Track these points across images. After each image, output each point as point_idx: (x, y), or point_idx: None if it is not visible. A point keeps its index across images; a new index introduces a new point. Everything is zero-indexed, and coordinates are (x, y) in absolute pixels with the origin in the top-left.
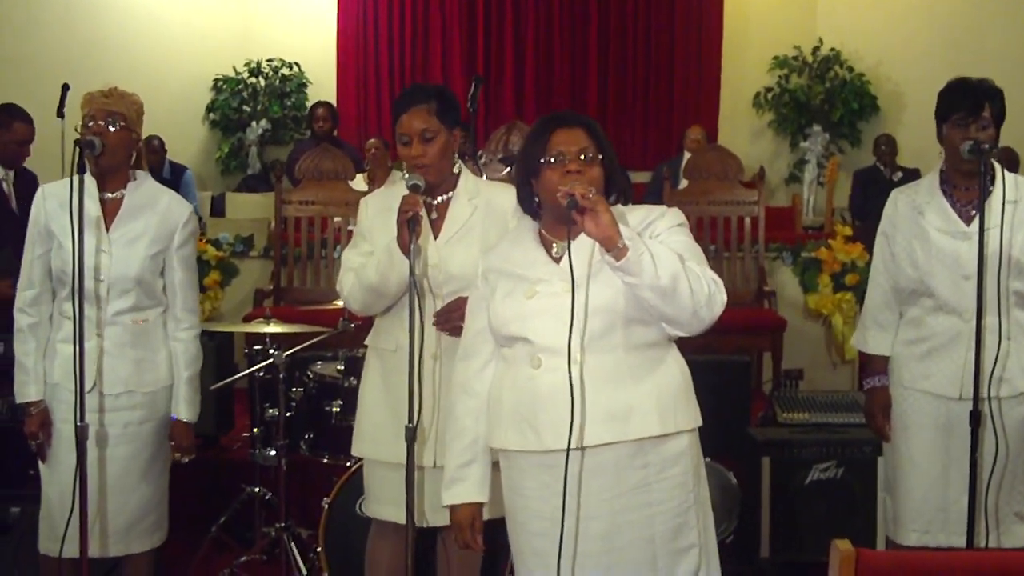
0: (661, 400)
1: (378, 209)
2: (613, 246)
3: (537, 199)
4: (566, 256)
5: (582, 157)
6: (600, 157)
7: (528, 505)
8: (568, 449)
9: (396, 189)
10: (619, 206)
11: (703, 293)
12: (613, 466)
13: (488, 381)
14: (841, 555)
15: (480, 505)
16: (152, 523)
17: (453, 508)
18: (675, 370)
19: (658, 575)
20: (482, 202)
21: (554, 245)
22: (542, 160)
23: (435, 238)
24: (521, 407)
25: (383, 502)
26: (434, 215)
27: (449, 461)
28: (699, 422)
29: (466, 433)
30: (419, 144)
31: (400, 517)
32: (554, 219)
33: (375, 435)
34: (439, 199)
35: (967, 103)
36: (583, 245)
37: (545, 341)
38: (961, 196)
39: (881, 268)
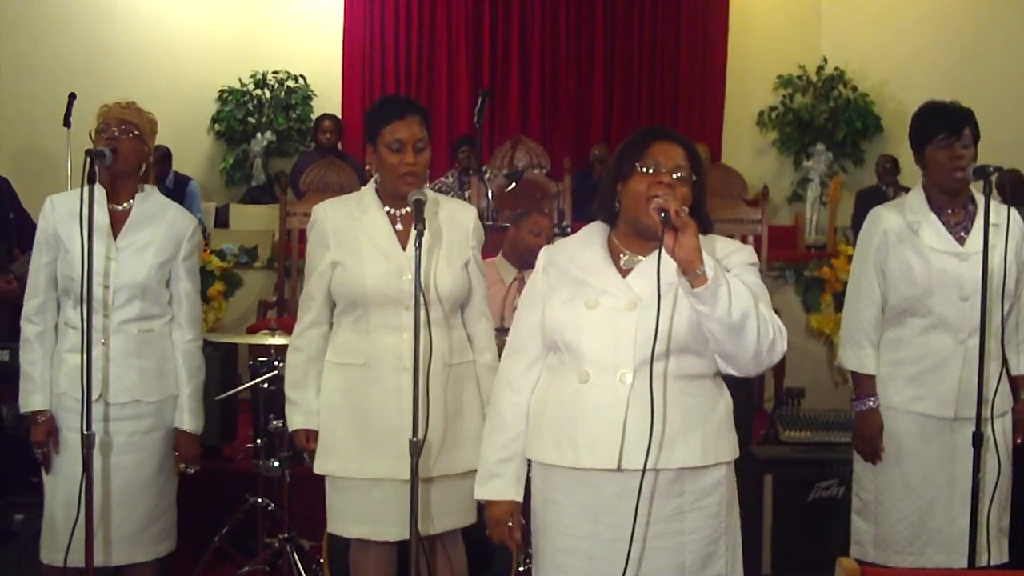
0: (705, 432)
1: (339, 220)
2: (692, 271)
3: (618, 205)
4: (634, 273)
5: (677, 174)
6: (693, 179)
7: (558, 520)
8: (644, 469)
9: (353, 198)
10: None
11: (767, 338)
12: (650, 492)
13: (534, 380)
14: (846, 573)
15: (517, 504)
16: (158, 532)
17: (488, 504)
18: (720, 403)
19: None
20: (445, 217)
21: (623, 257)
22: (636, 165)
23: (404, 249)
24: (563, 421)
25: (350, 520)
26: (399, 227)
27: (488, 455)
28: (736, 454)
29: (507, 429)
30: (412, 153)
31: (370, 534)
32: (631, 229)
33: (340, 452)
34: (404, 211)
35: (949, 124)
36: (653, 266)
37: (597, 356)
38: (949, 217)
39: (874, 285)
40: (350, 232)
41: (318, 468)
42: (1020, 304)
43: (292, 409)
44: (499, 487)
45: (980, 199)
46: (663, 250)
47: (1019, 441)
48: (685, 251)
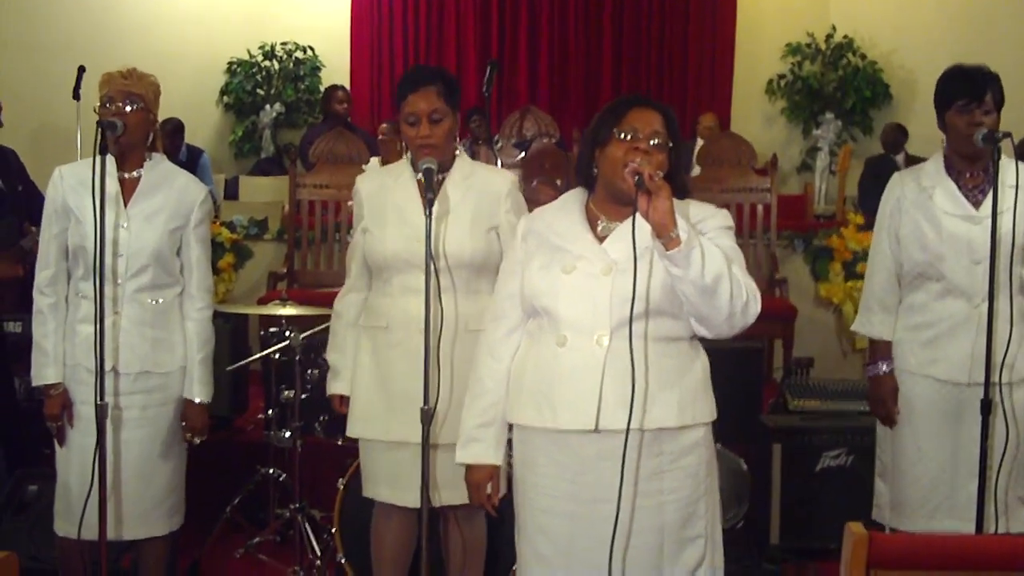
0: (682, 393)
1: (371, 189)
2: (666, 234)
3: (596, 170)
4: (610, 238)
5: (654, 140)
6: (670, 146)
7: (538, 481)
8: (628, 429)
9: (388, 168)
10: (674, 200)
11: (741, 300)
12: (628, 451)
13: (514, 347)
14: (855, 538)
15: (496, 468)
16: (171, 506)
17: (468, 468)
18: (697, 364)
19: (664, 562)
20: (476, 183)
21: (600, 223)
22: (614, 131)
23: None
24: (542, 384)
25: (377, 482)
26: (428, 193)
27: (467, 420)
28: (714, 415)
29: (487, 395)
30: (427, 125)
31: (395, 498)
32: (608, 194)
33: (367, 414)
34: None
35: (970, 89)
36: (629, 231)
37: (574, 320)
38: (966, 181)
39: (887, 251)
40: (380, 200)
41: (349, 430)
42: None
43: (330, 374)
44: (478, 451)
45: (1004, 162)
46: (637, 213)
47: None
48: (659, 214)
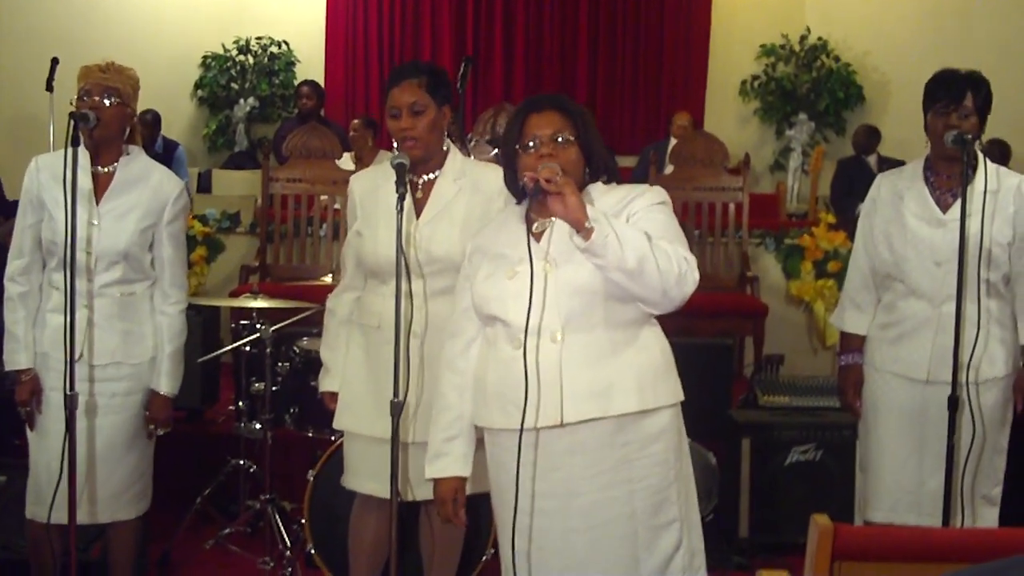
0: (641, 376)
1: (365, 190)
2: (581, 227)
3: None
4: (545, 235)
5: (557, 140)
6: (576, 138)
7: (512, 482)
8: (522, 429)
9: (383, 168)
10: (599, 185)
11: (673, 273)
12: (595, 443)
13: (473, 359)
14: (820, 530)
15: (463, 480)
16: (138, 491)
17: (436, 482)
18: (655, 347)
19: (639, 550)
20: (468, 183)
21: (535, 224)
22: (517, 146)
23: (417, 217)
24: (504, 386)
25: (362, 476)
26: (419, 194)
27: (433, 436)
28: (680, 397)
29: (450, 409)
30: (408, 117)
31: (378, 491)
32: (537, 201)
33: (355, 408)
34: (425, 178)
35: (948, 92)
36: (563, 225)
37: (524, 322)
38: (942, 184)
39: (861, 250)
40: (372, 201)
41: (336, 422)
42: None
43: (322, 371)
44: (445, 465)
45: (981, 167)
46: (532, 225)
47: (1020, 409)
48: (568, 210)
